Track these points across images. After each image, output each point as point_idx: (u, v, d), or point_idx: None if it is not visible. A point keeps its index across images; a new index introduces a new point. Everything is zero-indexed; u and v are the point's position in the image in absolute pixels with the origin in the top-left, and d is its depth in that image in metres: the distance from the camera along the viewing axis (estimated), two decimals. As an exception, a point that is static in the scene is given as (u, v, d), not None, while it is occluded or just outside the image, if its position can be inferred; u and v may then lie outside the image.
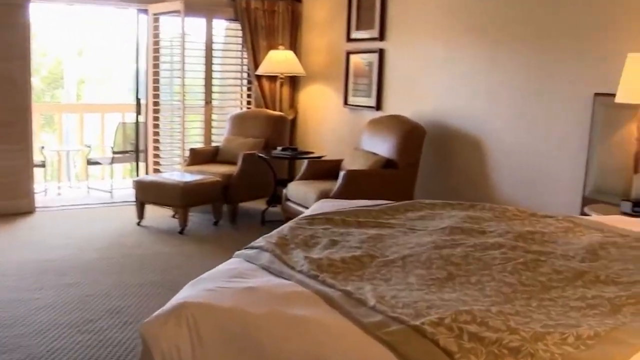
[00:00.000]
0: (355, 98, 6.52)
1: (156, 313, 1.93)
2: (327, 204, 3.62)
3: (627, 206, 3.80)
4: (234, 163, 6.17)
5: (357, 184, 5.14)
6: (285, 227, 2.94)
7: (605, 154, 4.09)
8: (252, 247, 2.62)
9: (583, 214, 4.13)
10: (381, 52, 6.12)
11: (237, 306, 1.90)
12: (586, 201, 4.23)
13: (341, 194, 4.98)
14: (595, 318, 1.97)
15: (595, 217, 3.48)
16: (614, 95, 4.01)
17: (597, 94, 4.16)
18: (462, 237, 2.85)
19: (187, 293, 2.01)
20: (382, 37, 6.11)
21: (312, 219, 3.11)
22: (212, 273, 2.24)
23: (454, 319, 1.86)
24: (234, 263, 2.40)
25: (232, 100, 7.20)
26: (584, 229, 3.14)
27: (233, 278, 2.15)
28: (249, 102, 7.15)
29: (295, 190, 5.45)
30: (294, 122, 7.18)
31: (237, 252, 2.59)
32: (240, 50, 7.02)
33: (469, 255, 2.55)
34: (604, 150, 4.10)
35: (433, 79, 5.56)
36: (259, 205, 6.47)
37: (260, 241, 2.68)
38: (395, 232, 2.96)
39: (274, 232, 2.87)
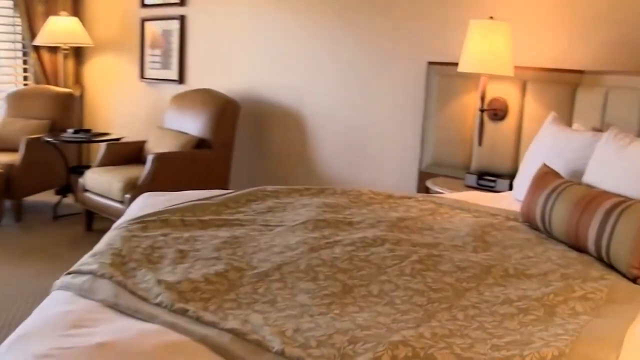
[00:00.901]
0: (153, 71, 5.80)
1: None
2: (152, 200, 2.99)
3: (472, 179, 3.65)
4: (14, 150, 5.17)
5: (168, 169, 4.53)
6: (114, 237, 2.29)
7: (443, 126, 3.91)
8: (79, 272, 1.96)
9: (423, 189, 3.94)
10: (182, 19, 5.47)
11: (92, 381, 1.28)
12: (423, 175, 4.04)
13: (151, 181, 4.39)
14: (539, 327, 1.66)
15: (451, 195, 3.25)
16: (448, 64, 3.84)
17: (430, 63, 3.96)
18: (332, 233, 2.43)
19: (6, 366, 1.34)
20: (182, 1, 5.45)
21: (145, 223, 2.49)
22: (37, 323, 1.56)
23: (392, 356, 1.43)
24: (62, 301, 1.74)
25: (5, 75, 6.06)
26: (448, 210, 2.89)
27: (71, 329, 1.50)
28: (25, 78, 6.08)
29: (96, 179, 4.66)
30: (80, 100, 6.26)
31: (60, 282, 1.91)
32: (12, 17, 5.90)
33: (354, 257, 2.13)
34: (441, 121, 3.91)
35: (246, 49, 5.05)
36: (49, 197, 5.54)
37: (89, 262, 2.02)
38: (250, 232, 2.45)
39: (102, 245, 2.22)
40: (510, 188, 3.50)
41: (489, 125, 3.69)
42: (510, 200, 3.16)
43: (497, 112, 3.66)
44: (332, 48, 4.49)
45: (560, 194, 2.42)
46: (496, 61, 3.38)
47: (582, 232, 2.22)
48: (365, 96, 4.36)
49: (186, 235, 2.36)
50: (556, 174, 2.63)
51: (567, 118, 3.39)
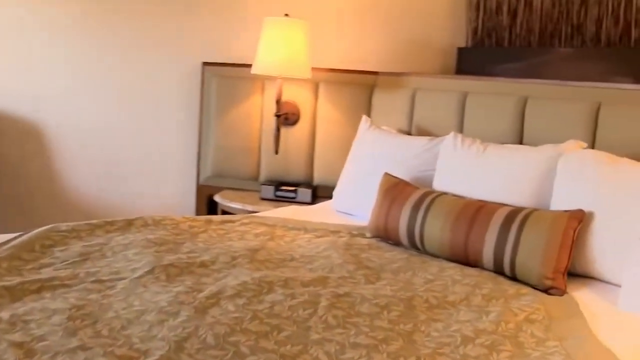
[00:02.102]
0: None
1: None
2: None
3: (268, 191, 3.37)
4: None
5: None
6: None
7: (224, 133, 3.55)
8: None
9: (204, 205, 3.57)
10: None
11: None
12: (202, 189, 3.64)
13: None
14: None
15: (269, 213, 2.93)
16: (228, 64, 3.50)
17: (206, 64, 3.55)
18: (195, 282, 1.97)
19: None
20: None
21: None
22: None
23: None
24: None
25: None
26: (285, 232, 2.59)
27: None
28: None
29: None
30: None
31: None
32: None
33: (258, 314, 1.72)
34: (222, 128, 3.55)
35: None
36: None
37: None
38: (87, 295, 1.85)
39: None
40: (313, 198, 3.31)
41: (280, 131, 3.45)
42: (331, 212, 2.97)
43: (289, 117, 3.43)
44: (82, 46, 3.76)
45: (430, 206, 2.29)
46: (293, 62, 3.15)
47: (475, 247, 2.12)
48: (126, 101, 3.76)
49: (4, 315, 1.68)
50: (407, 184, 2.51)
51: (364, 120, 3.32)
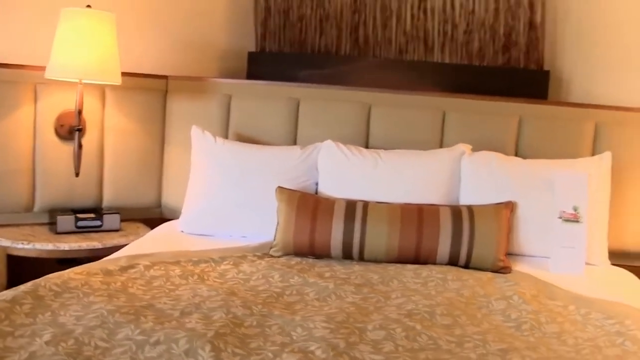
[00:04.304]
0: None
1: None
2: None
3: (68, 222, 2.82)
4: None
5: None
6: None
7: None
8: None
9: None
10: None
11: None
12: None
13: None
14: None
15: (134, 248, 2.51)
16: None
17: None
18: (268, 344, 1.75)
19: None
20: None
21: None
22: None
23: None
24: None
25: None
26: (193, 266, 2.33)
27: None
28: None
29: None
30: None
31: None
32: None
33: (402, 355, 1.70)
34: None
35: None
36: None
37: None
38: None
39: None
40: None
41: (60, 147, 2.90)
42: (183, 237, 2.71)
43: (72, 129, 2.89)
44: None
45: (365, 216, 2.41)
46: (102, 65, 2.68)
47: (429, 246, 2.36)
48: None
49: None
50: (315, 196, 2.56)
51: (159, 128, 3.08)
